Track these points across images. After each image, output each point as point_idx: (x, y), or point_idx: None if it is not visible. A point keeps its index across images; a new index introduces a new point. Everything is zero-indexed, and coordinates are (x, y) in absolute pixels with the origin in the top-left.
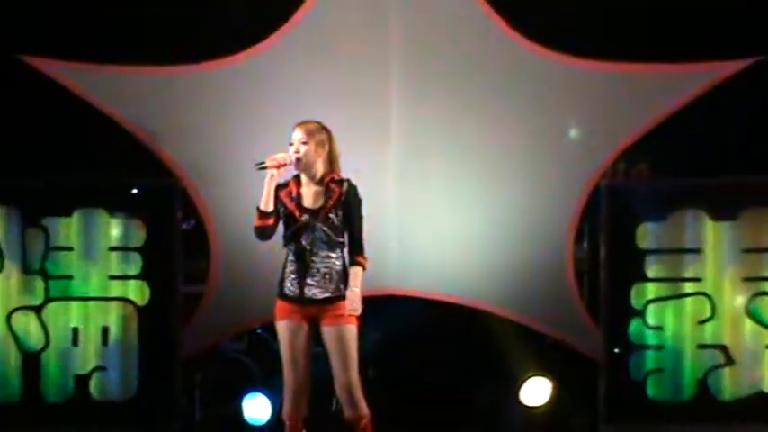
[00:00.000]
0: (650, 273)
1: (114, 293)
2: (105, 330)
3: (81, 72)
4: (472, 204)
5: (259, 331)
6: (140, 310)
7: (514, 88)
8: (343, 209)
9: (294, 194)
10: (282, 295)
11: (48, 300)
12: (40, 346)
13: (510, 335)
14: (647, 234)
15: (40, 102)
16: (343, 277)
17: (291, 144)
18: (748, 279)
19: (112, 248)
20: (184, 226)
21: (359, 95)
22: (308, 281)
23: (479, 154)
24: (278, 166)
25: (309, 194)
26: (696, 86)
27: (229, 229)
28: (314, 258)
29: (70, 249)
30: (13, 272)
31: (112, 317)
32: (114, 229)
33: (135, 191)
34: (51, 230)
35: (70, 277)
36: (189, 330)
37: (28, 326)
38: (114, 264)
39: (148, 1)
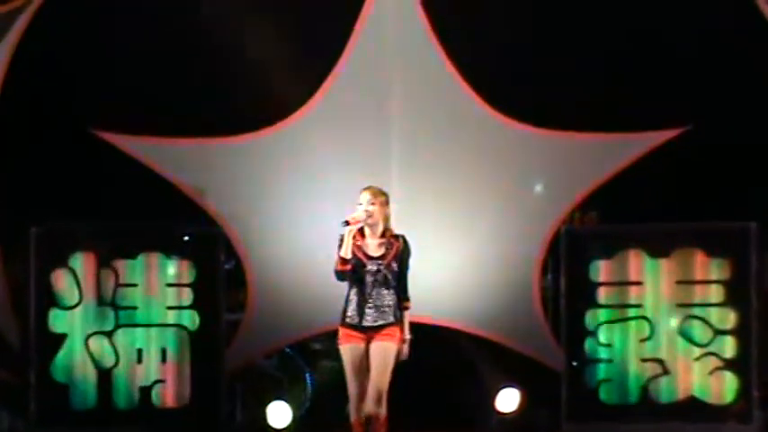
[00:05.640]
0: (601, 300)
1: (171, 321)
2: (164, 351)
3: (144, 144)
4: (459, 247)
5: (287, 350)
6: (191, 334)
7: (494, 153)
8: (399, 260)
9: (360, 245)
10: (345, 324)
11: (117, 326)
12: (111, 364)
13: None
14: (598, 269)
15: (114, 167)
16: (392, 308)
17: (360, 204)
18: (680, 305)
19: (169, 284)
20: (226, 266)
21: (365, 162)
22: (366, 312)
23: (466, 205)
24: (356, 223)
25: (374, 245)
26: (637, 150)
27: (262, 268)
28: (372, 295)
29: (135, 285)
30: (90, 303)
31: (169, 340)
32: (170, 269)
33: (186, 238)
34: (120, 270)
35: (135, 308)
36: (230, 350)
37: (102, 347)
38: (170, 297)
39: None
